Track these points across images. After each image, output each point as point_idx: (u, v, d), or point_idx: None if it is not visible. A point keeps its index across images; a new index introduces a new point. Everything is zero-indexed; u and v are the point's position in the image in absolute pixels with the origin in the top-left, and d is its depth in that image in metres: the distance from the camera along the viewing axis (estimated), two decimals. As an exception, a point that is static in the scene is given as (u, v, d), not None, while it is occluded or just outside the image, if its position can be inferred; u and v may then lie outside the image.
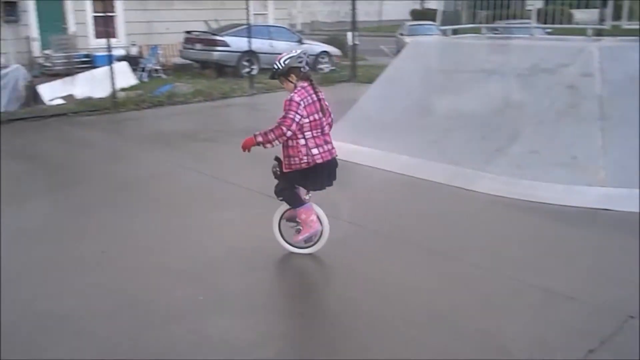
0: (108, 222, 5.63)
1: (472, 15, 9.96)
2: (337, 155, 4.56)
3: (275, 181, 4.58)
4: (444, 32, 9.71)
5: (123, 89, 13.22)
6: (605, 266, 4.61)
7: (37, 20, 16.00)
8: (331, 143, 4.50)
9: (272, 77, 4.51)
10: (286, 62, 4.34)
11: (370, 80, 12.44)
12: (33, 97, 12.61)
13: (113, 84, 11.87)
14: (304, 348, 3.61)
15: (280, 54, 4.53)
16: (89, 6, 16.88)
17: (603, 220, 5.57)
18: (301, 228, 4.61)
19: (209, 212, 5.86)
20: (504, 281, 4.38)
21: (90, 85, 13.36)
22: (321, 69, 17.36)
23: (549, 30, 10.23)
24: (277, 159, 4.55)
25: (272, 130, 4.27)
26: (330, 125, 4.56)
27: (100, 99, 12.41)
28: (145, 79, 15.39)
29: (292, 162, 4.40)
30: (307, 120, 4.29)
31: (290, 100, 4.26)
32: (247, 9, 14.17)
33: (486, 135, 7.05)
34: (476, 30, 9.64)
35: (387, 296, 4.16)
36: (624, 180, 6.02)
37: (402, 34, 23.01)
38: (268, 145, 4.30)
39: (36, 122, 10.59)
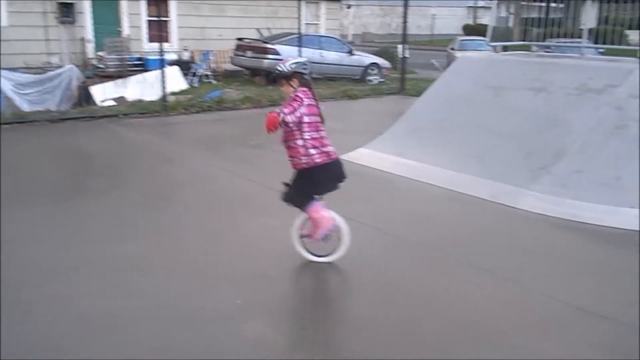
0: (151, 224, 5.75)
1: (524, 33, 9.84)
2: (338, 157, 4.59)
3: None
4: (494, 48, 9.63)
5: (173, 93, 13.50)
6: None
7: (92, 22, 16.43)
8: (330, 146, 4.54)
9: (274, 79, 4.61)
10: (292, 67, 4.46)
11: (418, 93, 12.39)
12: (85, 97, 12.96)
13: (164, 87, 12.10)
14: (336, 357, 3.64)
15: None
16: (143, 10, 17.28)
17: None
18: (314, 229, 4.63)
19: (251, 217, 5.92)
20: (537, 298, 4.34)
21: (141, 88, 13.69)
22: (370, 80, 17.35)
23: (601, 50, 10.03)
24: (286, 184, 4.63)
25: (284, 107, 4.25)
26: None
27: (151, 101, 12.66)
28: (196, 84, 15.70)
29: (296, 162, 4.53)
30: (307, 119, 4.38)
31: (295, 95, 4.36)
32: (299, 18, 14.32)
33: (532, 153, 6.96)
34: (527, 48, 9.51)
35: (418, 306, 4.16)
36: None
37: (453, 49, 22.89)
38: (285, 118, 4.18)
39: (87, 122, 10.83)
